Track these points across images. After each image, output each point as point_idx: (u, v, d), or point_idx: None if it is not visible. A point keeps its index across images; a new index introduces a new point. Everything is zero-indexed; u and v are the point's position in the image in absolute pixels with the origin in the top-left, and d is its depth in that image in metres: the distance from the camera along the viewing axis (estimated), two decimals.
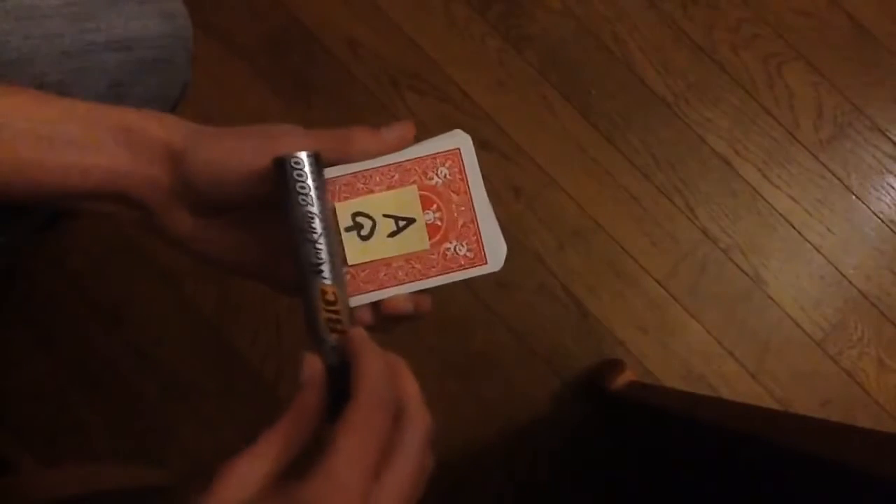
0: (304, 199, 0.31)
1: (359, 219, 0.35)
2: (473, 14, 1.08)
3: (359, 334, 0.32)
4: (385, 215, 0.35)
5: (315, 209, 0.32)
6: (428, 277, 0.36)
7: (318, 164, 0.32)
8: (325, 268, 0.32)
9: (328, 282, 0.32)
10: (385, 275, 0.35)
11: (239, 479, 0.27)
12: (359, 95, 1.06)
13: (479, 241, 0.36)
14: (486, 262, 0.36)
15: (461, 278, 0.36)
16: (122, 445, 0.98)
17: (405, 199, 0.35)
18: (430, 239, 0.35)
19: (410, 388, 0.31)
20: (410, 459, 0.29)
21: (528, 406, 1.01)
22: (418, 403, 0.31)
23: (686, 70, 1.09)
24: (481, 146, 1.01)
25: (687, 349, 1.04)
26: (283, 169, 0.31)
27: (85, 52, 0.42)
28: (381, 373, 0.30)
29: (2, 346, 0.99)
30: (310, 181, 0.31)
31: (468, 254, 0.36)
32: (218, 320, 1.00)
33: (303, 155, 0.31)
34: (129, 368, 0.99)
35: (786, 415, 0.85)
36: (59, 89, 0.41)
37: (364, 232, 0.35)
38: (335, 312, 0.32)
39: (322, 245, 0.32)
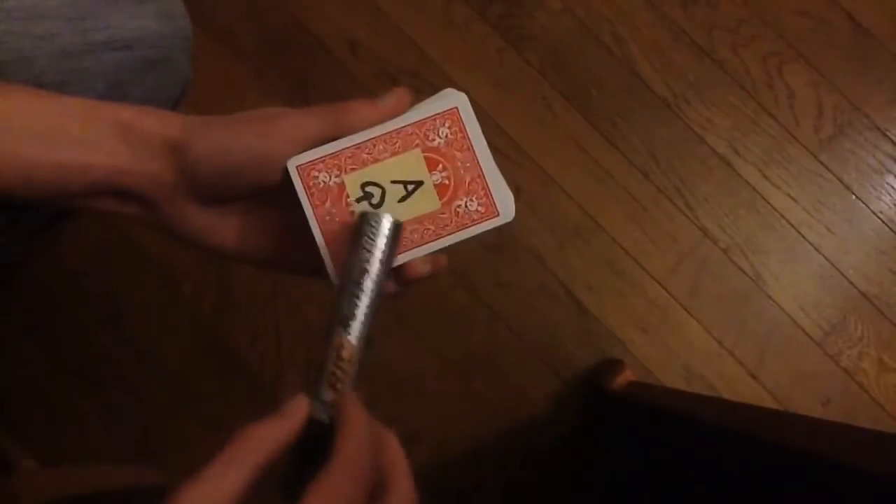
0: (367, 255, 0.32)
1: (368, 188, 0.35)
2: (473, 14, 1.08)
3: (353, 399, 0.31)
4: (393, 181, 0.35)
5: (373, 269, 0.32)
6: (443, 237, 0.36)
7: (397, 233, 0.33)
8: (354, 325, 0.32)
9: (351, 339, 0.32)
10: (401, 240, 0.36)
11: None
12: (359, 95, 1.05)
13: (488, 195, 0.36)
14: (497, 215, 0.37)
15: (476, 233, 0.36)
16: (122, 445, 0.98)
17: (410, 164, 0.35)
18: (440, 199, 0.36)
19: (398, 463, 0.31)
20: None
21: (528, 406, 1.01)
22: (404, 480, 0.30)
23: (686, 70, 1.09)
24: None
25: (687, 349, 1.04)
26: (363, 221, 0.33)
27: (84, 52, 0.42)
28: (363, 441, 0.29)
29: (2, 347, 0.99)
30: (381, 242, 0.33)
31: (479, 208, 0.36)
32: (217, 321, 1.00)
33: (387, 218, 0.33)
34: (129, 368, 0.99)
35: (786, 415, 0.84)
36: (59, 89, 0.41)
37: (374, 201, 0.35)
38: (343, 371, 0.32)
39: (361, 303, 0.32)
